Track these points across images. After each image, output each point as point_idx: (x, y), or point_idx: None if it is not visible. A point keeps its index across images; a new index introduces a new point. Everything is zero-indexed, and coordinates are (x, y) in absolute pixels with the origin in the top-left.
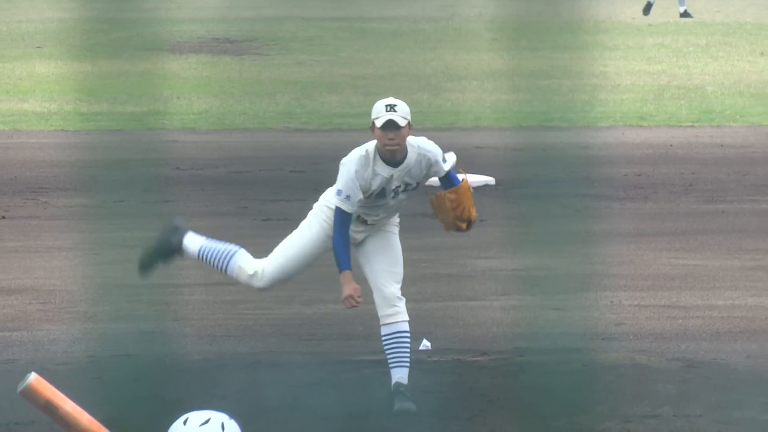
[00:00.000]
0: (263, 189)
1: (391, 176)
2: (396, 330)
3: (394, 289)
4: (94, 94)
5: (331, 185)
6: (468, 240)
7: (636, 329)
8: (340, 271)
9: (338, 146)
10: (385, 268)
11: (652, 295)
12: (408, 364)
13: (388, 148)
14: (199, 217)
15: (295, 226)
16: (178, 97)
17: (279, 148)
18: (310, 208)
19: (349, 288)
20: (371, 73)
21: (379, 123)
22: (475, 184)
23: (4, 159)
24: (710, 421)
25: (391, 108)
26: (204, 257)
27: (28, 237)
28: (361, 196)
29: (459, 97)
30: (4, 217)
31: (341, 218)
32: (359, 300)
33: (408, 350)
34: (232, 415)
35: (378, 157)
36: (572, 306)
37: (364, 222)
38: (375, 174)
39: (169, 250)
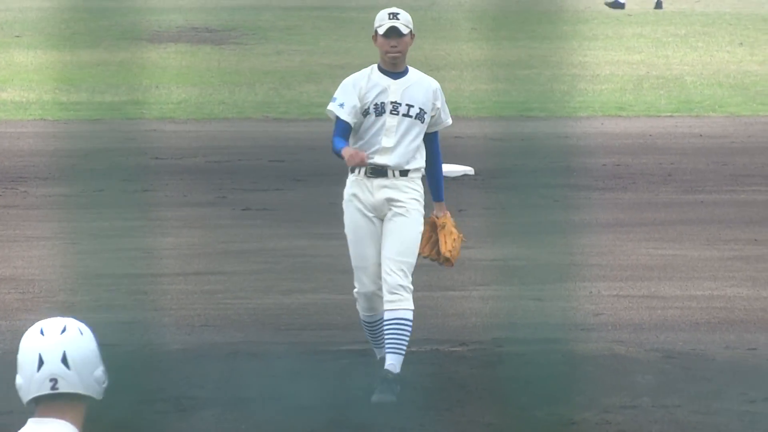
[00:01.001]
0: (242, 178)
1: (388, 87)
2: (395, 317)
3: (397, 277)
4: (73, 84)
5: (312, 175)
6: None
7: (614, 320)
8: (340, 150)
9: (317, 136)
10: (392, 257)
11: (631, 286)
12: (402, 353)
13: (390, 55)
14: (179, 206)
15: (274, 216)
16: (157, 87)
17: (258, 138)
18: (289, 198)
19: (349, 150)
20: (350, 62)
21: (381, 30)
22: (453, 174)
23: None
24: (689, 411)
25: (393, 16)
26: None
27: (6, 226)
28: (356, 103)
29: None
30: None
31: (337, 127)
32: (362, 153)
33: (405, 339)
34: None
35: (378, 69)
36: (551, 296)
37: (376, 173)
38: (373, 84)
39: None
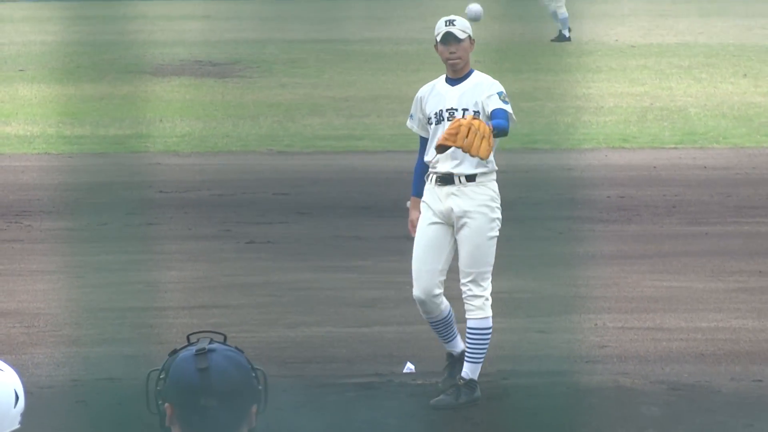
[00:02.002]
0: (246, 212)
1: (447, 93)
2: (469, 327)
3: (468, 288)
4: (77, 117)
5: (316, 208)
6: (452, 263)
7: (620, 352)
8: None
9: (321, 169)
10: (464, 268)
11: (636, 318)
12: (475, 360)
13: (450, 61)
14: (183, 240)
15: (278, 249)
16: (161, 120)
17: (262, 171)
18: (294, 231)
19: (413, 214)
20: (354, 95)
21: (439, 38)
22: None
23: None
24: None
25: (450, 23)
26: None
27: (11, 260)
28: (421, 115)
29: None
30: None
31: (420, 142)
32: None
33: (478, 347)
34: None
35: (444, 78)
36: (556, 328)
37: (443, 181)
38: (435, 93)
39: None
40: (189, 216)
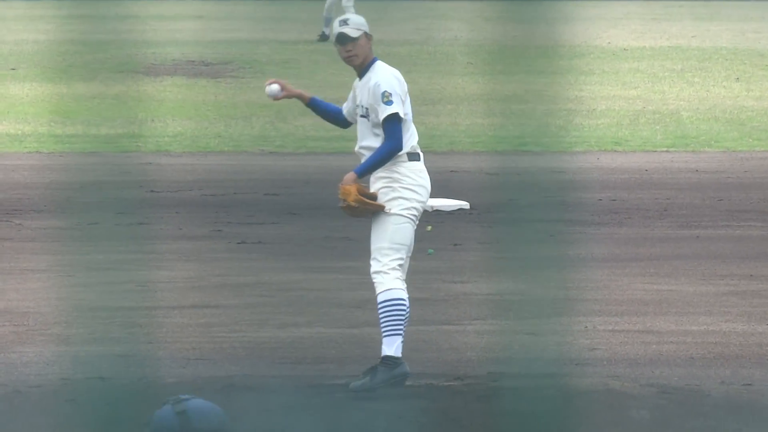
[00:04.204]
0: (238, 212)
1: (357, 88)
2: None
3: (371, 263)
4: (68, 116)
5: (307, 208)
6: (442, 264)
7: (610, 354)
8: None
9: (312, 170)
10: (370, 246)
11: (626, 321)
12: (385, 334)
13: (347, 60)
14: (174, 239)
15: (269, 250)
16: (152, 120)
17: (254, 171)
18: (285, 231)
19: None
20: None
21: (334, 38)
22: (449, 208)
23: None
24: None
25: (343, 23)
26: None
27: (1, 259)
28: (351, 103)
29: (433, 120)
30: None
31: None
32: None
33: (384, 320)
34: None
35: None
36: (546, 331)
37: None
38: (354, 85)
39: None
40: (180, 216)
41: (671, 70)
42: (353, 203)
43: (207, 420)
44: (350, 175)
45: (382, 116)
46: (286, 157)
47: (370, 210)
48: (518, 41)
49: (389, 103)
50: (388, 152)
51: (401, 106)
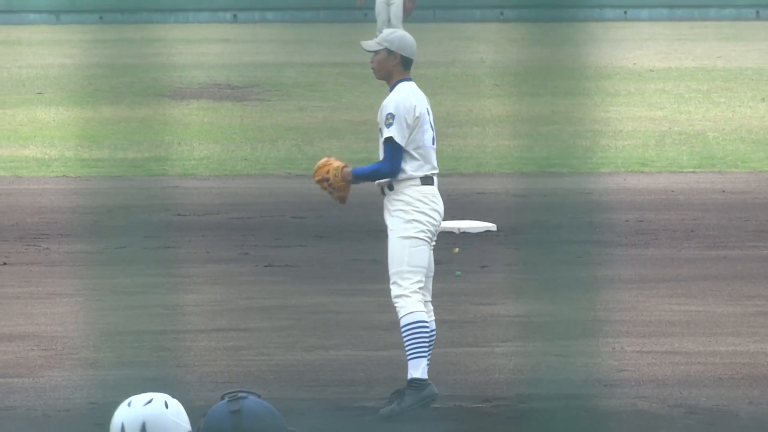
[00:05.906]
0: (265, 235)
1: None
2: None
3: (392, 287)
4: (95, 140)
5: (334, 231)
6: (470, 286)
7: (638, 375)
8: None
9: None
10: (389, 271)
11: (654, 342)
12: (411, 356)
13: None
14: (201, 263)
15: (297, 272)
16: (179, 143)
17: (280, 194)
18: (312, 254)
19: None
20: (372, 118)
21: None
22: (476, 230)
23: (5, 205)
24: None
25: (378, 35)
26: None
27: (29, 283)
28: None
29: (460, 142)
30: (5, 264)
31: None
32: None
33: (408, 343)
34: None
35: None
36: (574, 352)
37: (382, 191)
38: None
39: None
40: (207, 239)
41: (697, 91)
42: (332, 177)
43: (261, 420)
44: (348, 169)
45: (381, 138)
46: (313, 180)
47: (336, 193)
48: (544, 63)
49: (389, 125)
50: (379, 172)
51: (400, 132)
